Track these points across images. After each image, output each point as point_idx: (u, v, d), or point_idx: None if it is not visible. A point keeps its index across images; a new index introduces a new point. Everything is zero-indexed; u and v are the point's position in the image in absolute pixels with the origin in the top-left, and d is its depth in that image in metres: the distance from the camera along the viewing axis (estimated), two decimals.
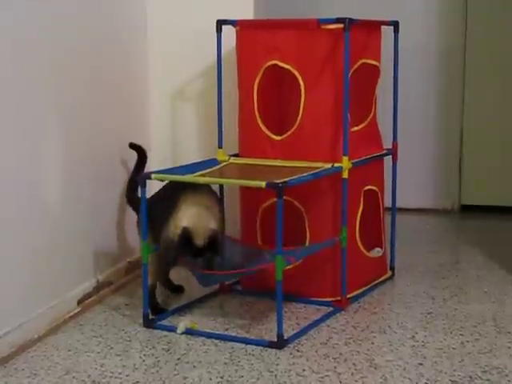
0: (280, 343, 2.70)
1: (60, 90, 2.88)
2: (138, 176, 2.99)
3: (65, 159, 2.94)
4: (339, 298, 3.07)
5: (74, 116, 2.98)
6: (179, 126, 3.64)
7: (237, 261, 2.93)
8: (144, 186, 2.84)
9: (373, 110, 3.25)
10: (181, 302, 3.13)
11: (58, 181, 2.91)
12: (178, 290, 3.23)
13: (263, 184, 2.67)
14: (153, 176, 2.86)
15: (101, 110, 3.18)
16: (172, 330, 2.85)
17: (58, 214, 2.90)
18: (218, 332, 2.83)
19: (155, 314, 2.96)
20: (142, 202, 2.84)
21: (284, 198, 2.68)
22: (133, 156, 3.19)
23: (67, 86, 2.92)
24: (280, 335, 2.70)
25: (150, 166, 3.52)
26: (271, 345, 2.70)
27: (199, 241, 2.72)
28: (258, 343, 2.73)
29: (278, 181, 2.67)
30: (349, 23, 2.92)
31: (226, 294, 3.22)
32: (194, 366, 2.57)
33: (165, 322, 2.93)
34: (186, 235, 2.72)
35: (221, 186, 3.23)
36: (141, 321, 2.91)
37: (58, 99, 2.88)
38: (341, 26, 2.93)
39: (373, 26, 3.19)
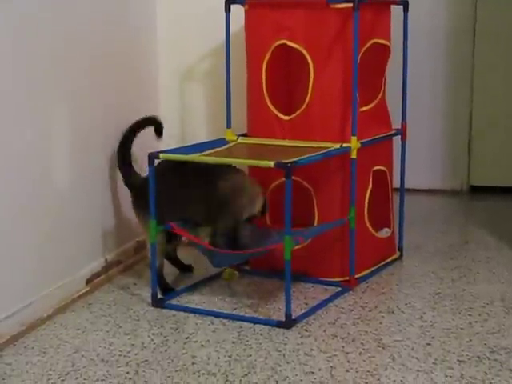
0: (288, 323, 2.70)
1: (67, 74, 2.87)
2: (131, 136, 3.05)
3: (74, 143, 2.94)
4: (347, 278, 3.07)
5: (82, 98, 2.98)
6: (187, 105, 3.63)
7: (246, 241, 2.93)
8: (152, 164, 2.84)
9: (382, 89, 3.23)
10: (189, 281, 3.14)
11: (67, 164, 2.91)
12: (187, 269, 3.24)
13: (272, 164, 2.66)
14: (161, 155, 2.85)
15: (109, 90, 3.17)
16: (180, 309, 2.85)
17: (66, 195, 2.91)
18: (226, 311, 2.84)
19: (164, 294, 2.97)
20: (150, 180, 2.84)
21: (293, 178, 2.68)
22: (142, 138, 3.18)
23: (74, 68, 2.92)
24: (288, 315, 2.70)
25: (158, 145, 3.53)
26: (279, 324, 2.71)
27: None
28: (266, 323, 2.74)
29: (287, 161, 2.67)
30: (358, 2, 2.90)
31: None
32: (202, 345, 2.58)
33: (173, 302, 2.93)
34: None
35: None
36: (149, 300, 2.92)
37: (66, 84, 2.87)
38: (350, 5, 2.91)
39: (382, 6, 3.17)
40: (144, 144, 3.28)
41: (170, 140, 3.51)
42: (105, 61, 3.13)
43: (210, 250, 2.83)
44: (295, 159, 2.72)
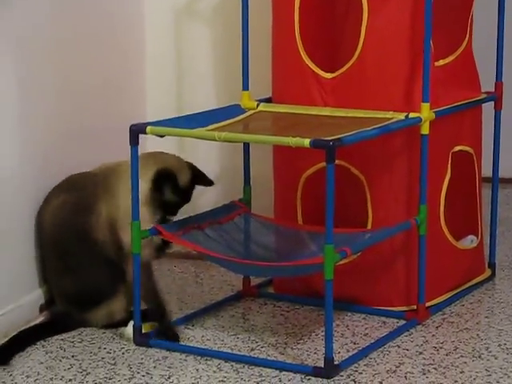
0: (329, 370, 2.70)
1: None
2: None
3: None
4: (415, 307, 3.07)
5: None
6: (185, 59, 3.64)
7: (271, 246, 2.95)
8: (136, 142, 2.85)
9: (467, 36, 3.22)
10: (187, 308, 3.15)
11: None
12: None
13: (307, 142, 2.66)
14: (148, 129, 2.86)
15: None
16: (174, 348, 2.86)
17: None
18: (240, 353, 2.84)
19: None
20: (133, 160, 2.85)
21: (337, 162, 2.67)
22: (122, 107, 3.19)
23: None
24: (329, 359, 2.70)
25: (146, 116, 3.53)
26: (316, 372, 2.70)
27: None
28: (297, 369, 2.73)
29: (329, 137, 2.67)
30: None
31: (252, 299, 3.24)
32: None
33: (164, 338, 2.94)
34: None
35: (246, 145, 3.24)
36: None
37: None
38: None
39: None
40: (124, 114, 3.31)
41: (160, 109, 3.53)
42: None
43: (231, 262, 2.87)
44: (340, 135, 2.71)
